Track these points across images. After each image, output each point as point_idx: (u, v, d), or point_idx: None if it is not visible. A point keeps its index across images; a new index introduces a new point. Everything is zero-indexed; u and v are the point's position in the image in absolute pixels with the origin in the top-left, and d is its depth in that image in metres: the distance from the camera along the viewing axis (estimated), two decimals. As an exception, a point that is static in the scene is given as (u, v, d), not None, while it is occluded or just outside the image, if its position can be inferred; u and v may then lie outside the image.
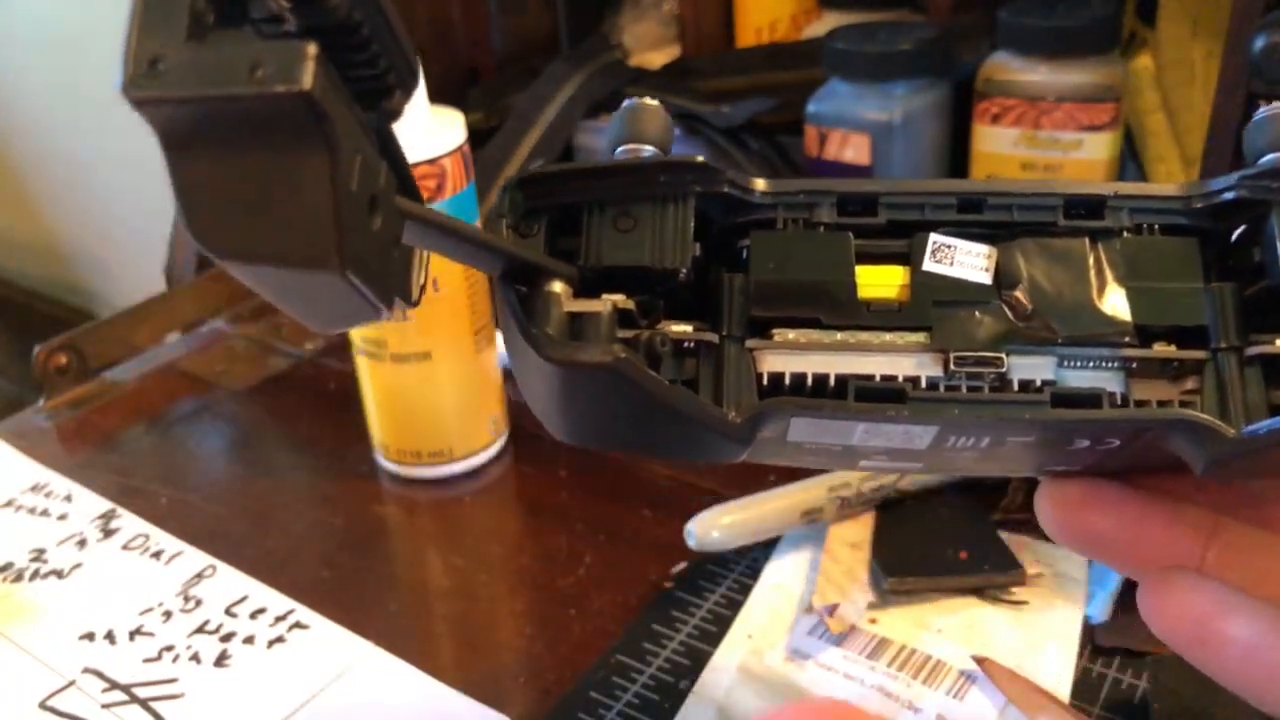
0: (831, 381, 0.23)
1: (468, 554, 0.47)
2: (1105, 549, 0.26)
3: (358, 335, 0.49)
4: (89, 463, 0.55)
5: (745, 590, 0.43)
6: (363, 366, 0.50)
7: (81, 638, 0.43)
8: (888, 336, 0.23)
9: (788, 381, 0.23)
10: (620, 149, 0.24)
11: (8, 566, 0.47)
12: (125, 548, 0.48)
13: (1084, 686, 0.38)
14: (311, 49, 0.16)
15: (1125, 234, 0.23)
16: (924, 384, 0.22)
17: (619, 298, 0.22)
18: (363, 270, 0.17)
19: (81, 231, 1.47)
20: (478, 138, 0.65)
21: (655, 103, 0.24)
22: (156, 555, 0.48)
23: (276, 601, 0.44)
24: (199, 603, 0.45)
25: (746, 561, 0.45)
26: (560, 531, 0.48)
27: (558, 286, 0.22)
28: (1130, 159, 0.64)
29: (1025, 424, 0.22)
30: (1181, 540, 0.25)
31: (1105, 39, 0.57)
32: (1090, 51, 0.56)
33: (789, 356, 0.23)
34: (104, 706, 0.40)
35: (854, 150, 0.59)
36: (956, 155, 0.62)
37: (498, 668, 0.41)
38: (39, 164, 1.43)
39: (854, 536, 0.45)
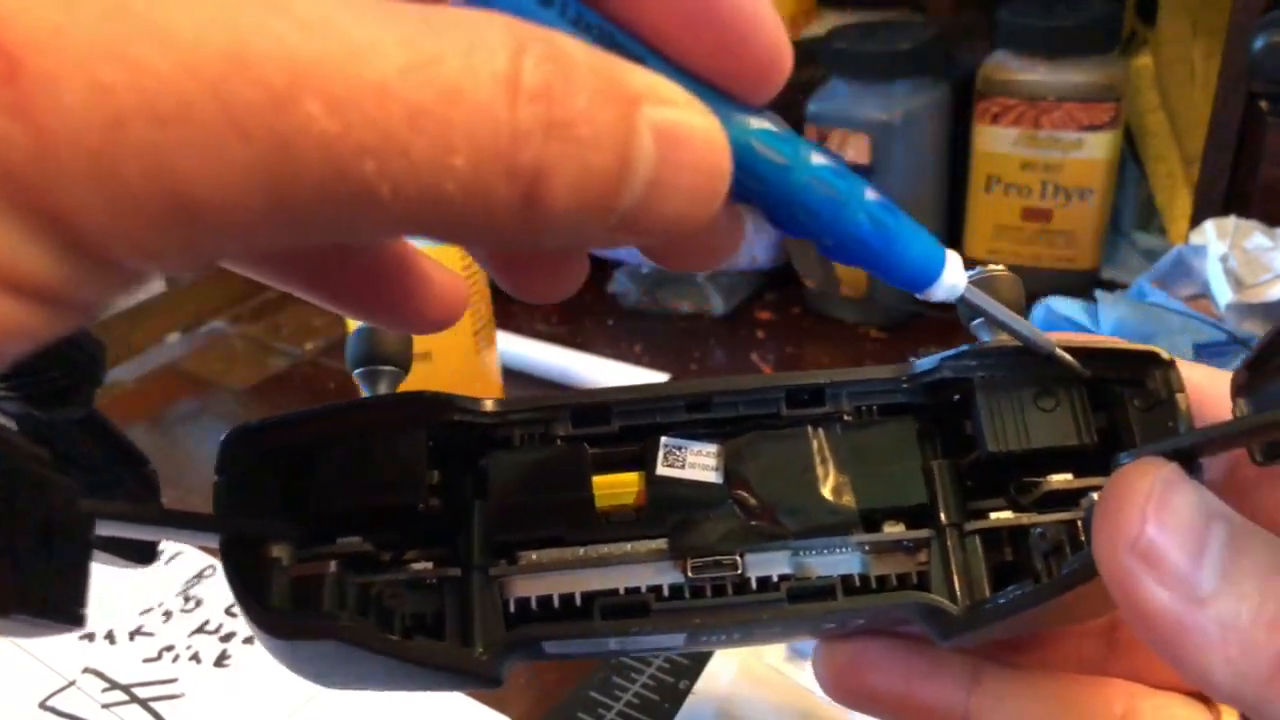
0: (578, 600, 0.23)
1: (468, 554, 0.47)
2: (876, 707, 0.27)
3: (358, 335, 0.49)
4: (89, 463, 0.55)
5: (745, 590, 0.43)
6: (363, 366, 0.50)
7: (82, 638, 0.43)
8: (628, 547, 0.23)
9: (534, 605, 0.23)
10: (358, 370, 0.24)
11: (8, 566, 0.47)
12: (125, 548, 0.48)
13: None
14: None
15: (846, 418, 0.24)
16: (666, 592, 0.23)
17: (353, 541, 0.22)
18: (33, 605, 0.16)
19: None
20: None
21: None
22: (156, 555, 0.48)
23: (276, 601, 0.44)
24: (199, 603, 0.45)
25: (746, 561, 0.45)
26: (560, 531, 0.48)
27: (279, 550, 0.22)
28: (1130, 159, 0.64)
29: (767, 621, 0.23)
30: (945, 691, 0.27)
31: (1105, 39, 0.57)
32: (1090, 51, 0.56)
33: (534, 579, 0.23)
34: (104, 706, 0.40)
35: (854, 150, 0.59)
36: (956, 155, 0.62)
37: (498, 667, 0.41)
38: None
39: (854, 536, 0.45)
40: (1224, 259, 0.50)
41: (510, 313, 0.64)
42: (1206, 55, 0.59)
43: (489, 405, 0.24)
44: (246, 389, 0.62)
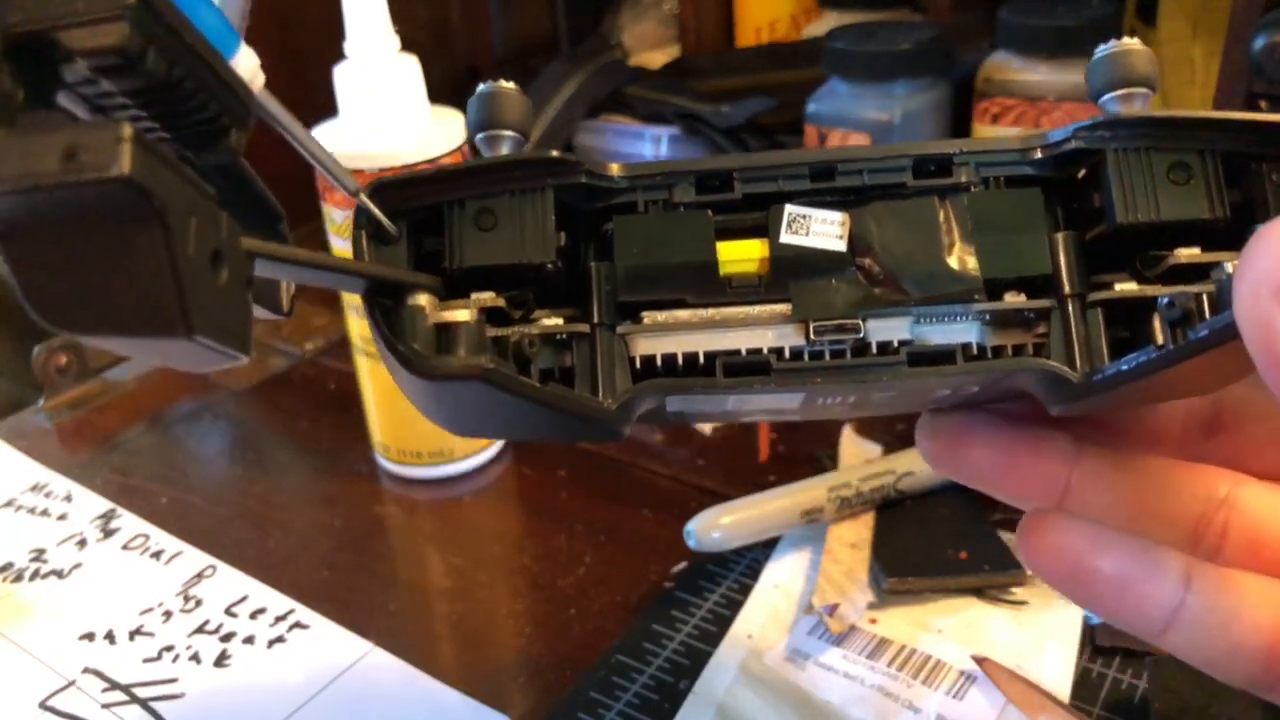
0: (701, 359, 0.23)
1: (468, 554, 0.47)
2: (979, 478, 0.27)
3: (357, 335, 0.49)
4: (89, 463, 0.55)
5: (745, 590, 0.43)
6: (363, 366, 0.50)
7: (81, 638, 0.43)
8: (751, 310, 0.23)
9: (659, 362, 0.24)
10: (480, 135, 0.24)
11: (8, 566, 0.47)
12: (125, 548, 0.48)
13: (1084, 686, 0.38)
14: (127, 130, 0.15)
15: (973, 189, 0.24)
16: (787, 354, 0.23)
17: (488, 296, 0.23)
18: (213, 328, 0.17)
19: (81, 231, 1.47)
20: (478, 138, 0.65)
21: (512, 86, 0.24)
22: (156, 555, 0.48)
23: (276, 601, 0.44)
24: (199, 603, 0.45)
25: (746, 561, 0.45)
26: (560, 531, 0.48)
27: (422, 299, 0.22)
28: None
29: (885, 383, 0.23)
30: (1047, 466, 0.27)
31: (1105, 39, 0.57)
32: (1090, 51, 0.56)
33: (659, 338, 0.24)
34: (104, 706, 0.40)
35: (854, 150, 0.59)
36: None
37: (498, 668, 0.41)
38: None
39: (854, 536, 0.45)
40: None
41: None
42: (1206, 55, 0.59)
43: (615, 170, 0.24)
44: (246, 389, 0.62)
